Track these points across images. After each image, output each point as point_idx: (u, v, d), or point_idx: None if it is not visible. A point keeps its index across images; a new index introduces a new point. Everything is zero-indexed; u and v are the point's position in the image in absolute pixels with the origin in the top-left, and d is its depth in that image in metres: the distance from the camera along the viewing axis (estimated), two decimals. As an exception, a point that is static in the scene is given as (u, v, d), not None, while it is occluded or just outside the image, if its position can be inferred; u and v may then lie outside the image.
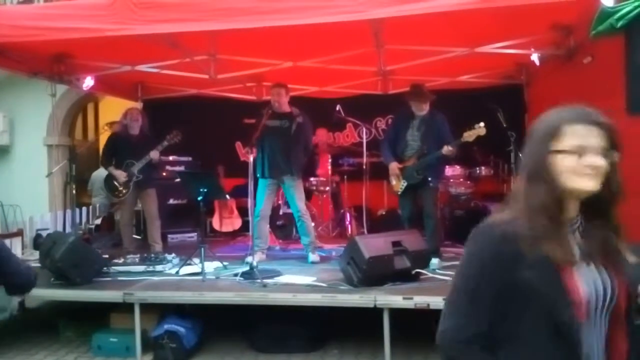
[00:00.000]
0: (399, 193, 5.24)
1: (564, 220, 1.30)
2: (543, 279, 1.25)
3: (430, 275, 4.51)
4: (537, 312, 1.26)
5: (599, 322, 1.31)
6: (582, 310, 1.26)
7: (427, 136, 5.10)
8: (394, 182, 5.26)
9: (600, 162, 1.25)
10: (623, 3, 3.12)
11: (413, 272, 4.40)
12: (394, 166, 5.19)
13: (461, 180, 6.63)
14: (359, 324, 4.57)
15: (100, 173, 7.52)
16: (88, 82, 6.07)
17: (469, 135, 4.82)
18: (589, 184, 1.26)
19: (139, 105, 7.43)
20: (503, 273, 1.27)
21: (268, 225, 5.66)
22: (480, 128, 4.77)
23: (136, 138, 5.94)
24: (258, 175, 5.45)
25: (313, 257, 5.43)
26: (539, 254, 1.25)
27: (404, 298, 3.95)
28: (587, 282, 1.28)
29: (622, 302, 1.33)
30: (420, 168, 5.08)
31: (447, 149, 4.91)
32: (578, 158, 1.26)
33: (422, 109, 5.12)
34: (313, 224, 5.59)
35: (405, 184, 5.14)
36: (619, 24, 3.14)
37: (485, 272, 1.30)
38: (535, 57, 5.36)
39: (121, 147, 5.91)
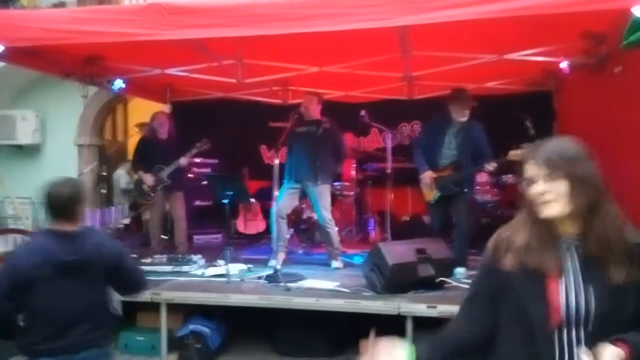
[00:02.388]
0: (431, 203, 5.09)
1: (555, 235, 1.47)
2: (525, 283, 1.47)
3: (455, 284, 4.48)
4: (514, 311, 1.49)
5: (578, 335, 1.43)
6: (556, 319, 1.43)
7: (464, 146, 4.91)
8: (425, 190, 5.06)
9: (539, 189, 1.43)
10: (656, 14, 3.07)
11: (437, 280, 4.38)
12: (427, 175, 4.98)
13: (488, 187, 6.58)
14: (382, 331, 4.56)
15: (120, 173, 7.69)
16: (119, 84, 6.19)
17: (515, 155, 4.59)
18: (545, 212, 1.44)
19: (167, 107, 7.55)
20: (494, 274, 1.54)
21: (286, 225, 5.64)
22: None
23: (164, 142, 6.05)
24: (285, 179, 5.50)
25: (335, 263, 5.44)
26: (528, 261, 1.46)
27: (428, 306, 3.94)
28: (568, 294, 1.43)
29: (604, 318, 1.41)
30: (457, 180, 4.90)
31: (492, 166, 4.76)
32: (532, 188, 1.45)
33: (463, 115, 4.89)
34: (336, 229, 5.58)
35: (439, 194, 4.98)
36: (651, 34, 3.10)
37: (483, 276, 1.62)
38: (564, 65, 5.29)
39: (150, 151, 6.03)
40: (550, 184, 1.42)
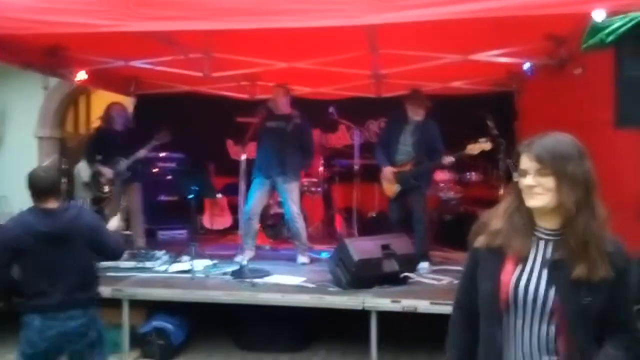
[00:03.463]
0: (392, 198, 5.26)
1: (529, 226, 1.55)
2: (486, 260, 1.58)
3: (418, 279, 4.56)
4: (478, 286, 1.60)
5: (537, 323, 1.49)
6: (503, 298, 1.51)
7: (420, 143, 5.15)
8: (386, 185, 5.28)
9: (530, 182, 1.50)
10: (613, 18, 3.17)
11: (401, 275, 4.44)
12: (388, 170, 5.21)
13: (451, 185, 6.69)
14: (347, 326, 4.61)
15: (81, 167, 7.48)
16: (81, 75, 6.03)
17: (473, 149, 4.87)
18: (530, 202, 1.52)
19: (131, 100, 7.41)
20: (473, 255, 1.65)
21: (258, 224, 5.66)
22: (486, 143, 4.84)
23: (122, 134, 5.88)
24: (254, 174, 5.47)
25: (302, 259, 5.46)
26: (494, 243, 1.56)
27: (392, 301, 3.99)
28: (521, 278, 1.51)
29: (560, 312, 1.46)
30: (417, 174, 5.12)
31: (448, 160, 4.98)
32: (523, 180, 1.52)
33: (418, 114, 5.16)
34: (304, 225, 5.60)
35: (400, 188, 5.17)
36: (609, 38, 3.20)
37: (469, 257, 1.70)
38: (527, 66, 5.42)
39: (107, 143, 5.82)
40: (540, 179, 1.49)
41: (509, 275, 1.52)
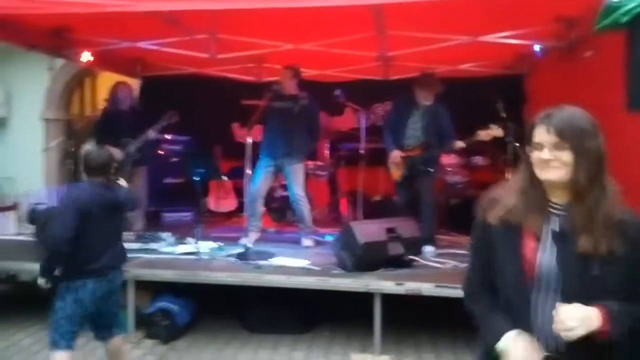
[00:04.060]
0: (399, 181, 5.21)
1: (543, 202, 1.53)
2: (504, 238, 1.55)
3: (423, 262, 4.54)
4: (497, 267, 1.58)
5: (553, 300, 1.48)
6: (530, 275, 1.49)
7: (429, 128, 5.06)
8: (393, 169, 5.22)
9: (547, 155, 1.47)
10: (628, -2, 3.11)
11: (406, 258, 4.43)
12: (396, 154, 5.14)
13: (458, 169, 6.64)
14: (351, 308, 4.62)
15: (88, 147, 7.45)
16: (87, 56, 6.01)
17: (484, 135, 4.80)
18: (544, 175, 1.49)
19: (137, 82, 7.38)
20: (484, 231, 1.61)
21: (262, 206, 5.65)
22: (497, 130, 4.77)
23: (128, 114, 5.85)
24: (260, 154, 5.45)
25: (307, 242, 5.46)
26: (509, 220, 1.53)
27: (396, 284, 3.99)
28: (545, 256, 1.50)
29: (566, 285, 1.46)
30: (426, 159, 5.05)
31: (459, 146, 4.92)
32: (538, 153, 1.49)
33: (428, 99, 5.07)
34: (309, 208, 5.58)
35: (407, 172, 5.10)
36: (624, 19, 3.14)
37: (478, 231, 1.66)
38: (537, 48, 5.34)
39: (114, 125, 5.78)
40: (557, 153, 1.46)
41: (532, 252, 1.51)
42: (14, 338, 4.36)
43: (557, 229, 1.51)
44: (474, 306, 1.66)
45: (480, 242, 1.65)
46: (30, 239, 5.30)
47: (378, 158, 5.67)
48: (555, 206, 1.53)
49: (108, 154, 3.26)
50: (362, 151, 6.50)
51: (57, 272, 3.07)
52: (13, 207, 6.36)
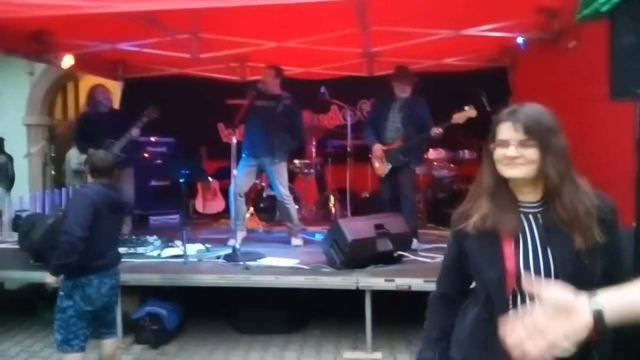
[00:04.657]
0: (382, 176, 5.23)
1: (512, 200, 1.50)
2: (481, 247, 1.51)
3: (412, 257, 4.53)
4: (474, 276, 1.55)
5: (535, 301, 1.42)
6: (511, 282, 1.44)
7: (408, 119, 5.10)
8: (377, 164, 5.24)
9: (512, 152, 1.43)
10: (608, -13, 3.10)
11: (395, 254, 4.42)
12: (377, 148, 5.17)
13: (444, 163, 6.64)
14: (341, 307, 4.60)
15: (72, 154, 7.36)
16: (68, 60, 5.91)
17: (459, 117, 4.80)
18: (509, 172, 1.46)
19: (119, 84, 7.30)
20: (458, 245, 1.59)
21: (244, 203, 5.59)
22: (471, 110, 4.76)
23: (108, 116, 5.72)
24: (242, 154, 5.40)
25: (295, 241, 5.43)
26: (484, 226, 1.49)
27: (386, 280, 3.97)
28: (524, 259, 1.45)
29: (570, 281, 1.40)
30: (406, 151, 5.07)
31: (435, 131, 4.90)
32: (503, 151, 1.45)
33: (404, 91, 5.12)
34: (297, 207, 5.55)
35: (390, 166, 5.12)
36: (604, 8, 3.13)
37: (450, 246, 1.66)
38: (520, 41, 5.35)
39: (95, 128, 5.62)
40: (522, 150, 1.43)
41: (512, 259, 1.46)
42: (0, 348, 4.27)
43: (537, 229, 1.48)
44: (429, 311, 1.74)
45: (452, 254, 1.65)
46: (15, 246, 5.22)
47: (365, 155, 5.65)
48: (527, 205, 1.51)
49: (113, 156, 3.45)
50: (348, 148, 6.49)
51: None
52: (-4, 215, 6.26)
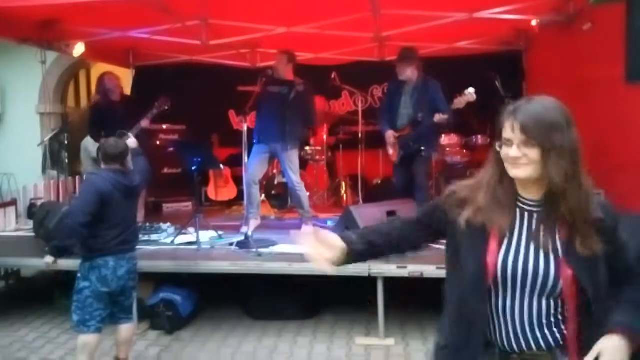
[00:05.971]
0: (396, 163, 5.18)
1: (512, 198, 1.47)
2: (468, 238, 1.48)
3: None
4: (454, 264, 1.53)
5: (528, 298, 1.42)
6: (490, 276, 1.42)
7: (420, 104, 4.99)
8: (391, 151, 5.19)
9: (515, 153, 1.40)
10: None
11: (408, 241, 4.40)
12: (390, 135, 5.12)
13: (457, 149, 6.58)
14: (354, 293, 4.61)
15: (88, 142, 7.39)
16: (79, 48, 5.94)
17: (459, 102, 4.66)
18: (513, 172, 1.43)
19: (130, 72, 7.31)
20: (441, 216, 1.57)
21: (258, 191, 5.60)
22: (470, 94, 4.60)
23: (120, 105, 5.72)
24: (254, 140, 5.40)
25: (306, 228, 5.43)
26: (475, 220, 1.46)
27: (398, 267, 3.96)
28: (508, 255, 1.43)
29: (568, 288, 1.40)
30: (415, 137, 5.00)
31: (439, 117, 4.79)
32: (507, 150, 1.42)
33: (404, 74, 5.01)
34: (308, 194, 5.54)
35: (402, 153, 5.08)
36: (621, -11, 3.06)
37: (430, 210, 1.64)
38: (534, 23, 5.26)
39: (107, 117, 5.62)
40: (525, 150, 1.39)
41: (494, 255, 1.43)
42: (18, 334, 4.35)
43: (533, 227, 1.45)
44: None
45: (428, 217, 1.64)
46: (30, 234, 5.29)
47: (377, 141, 5.63)
48: (529, 202, 1.47)
49: (124, 143, 3.52)
50: (360, 134, 6.46)
51: (75, 252, 3.28)
52: (12, 203, 6.33)
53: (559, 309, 1.42)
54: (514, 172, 1.42)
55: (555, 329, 1.43)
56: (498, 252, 1.44)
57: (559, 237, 1.42)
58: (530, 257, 1.42)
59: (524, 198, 1.47)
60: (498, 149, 1.46)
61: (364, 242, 1.61)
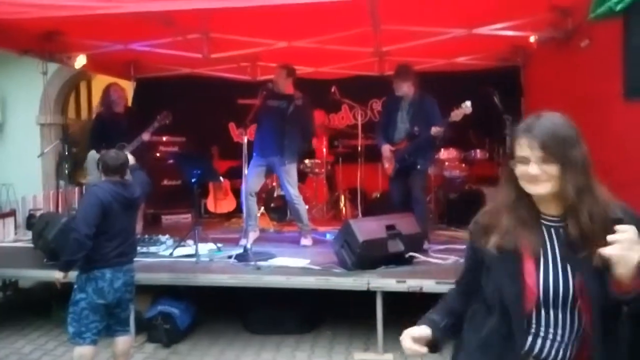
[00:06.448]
0: (391, 177, 5.21)
1: (535, 215, 1.46)
2: (502, 263, 1.46)
3: (424, 258, 4.51)
4: (492, 292, 1.49)
5: (561, 316, 1.41)
6: (532, 299, 1.41)
7: (416, 118, 5.04)
8: (387, 165, 5.23)
9: (535, 171, 1.39)
10: (622, -14, 3.07)
11: (407, 255, 4.40)
12: (386, 149, 5.16)
13: (456, 163, 6.61)
14: (353, 307, 4.59)
15: (93, 153, 7.40)
16: (80, 60, 5.97)
17: (456, 115, 4.70)
18: (533, 189, 1.43)
19: (131, 84, 7.35)
20: (476, 256, 1.55)
21: (255, 203, 5.60)
22: (467, 107, 4.63)
23: (122, 117, 5.75)
24: (253, 153, 5.41)
25: (305, 241, 5.43)
26: (505, 244, 1.45)
27: (397, 281, 3.96)
28: (545, 275, 1.42)
29: (585, 301, 1.39)
30: (410, 151, 5.03)
31: (435, 130, 4.83)
32: (524, 167, 1.42)
33: (401, 89, 5.07)
34: (307, 207, 5.55)
35: (397, 167, 5.10)
36: (618, 7, 3.10)
37: (470, 252, 1.61)
38: (532, 39, 5.31)
39: (108, 128, 5.65)
40: (545, 166, 1.39)
41: (533, 275, 1.42)
42: (14, 346, 4.32)
43: (557, 243, 1.44)
44: (443, 297, 1.73)
45: (471, 261, 1.61)
46: (29, 245, 5.27)
47: (376, 154, 5.64)
48: (549, 218, 1.47)
49: (124, 155, 3.54)
50: (359, 148, 6.48)
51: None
52: (11, 214, 6.32)
53: (580, 322, 1.42)
54: (533, 189, 1.42)
55: (576, 343, 1.43)
56: (536, 272, 1.42)
57: (580, 251, 1.40)
58: (559, 273, 1.42)
59: (545, 215, 1.47)
60: (512, 167, 1.45)
61: (446, 315, 1.64)
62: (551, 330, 1.43)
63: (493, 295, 1.50)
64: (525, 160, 1.41)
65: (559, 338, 1.43)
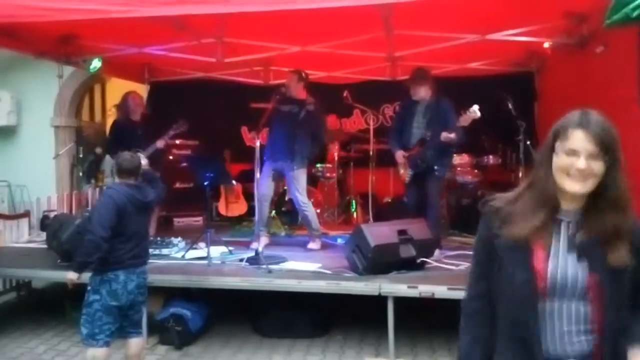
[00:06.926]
0: (407, 182, 5.17)
1: (555, 209, 1.44)
2: (513, 251, 1.45)
3: (436, 264, 4.49)
4: (503, 280, 1.48)
5: (568, 308, 1.42)
6: (542, 286, 1.41)
7: (432, 123, 4.96)
8: (401, 170, 5.18)
9: (583, 165, 1.35)
10: (639, -8, 3.04)
11: (418, 260, 4.39)
12: (399, 155, 5.10)
13: (468, 168, 6.58)
14: (364, 311, 4.58)
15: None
16: (95, 63, 6.03)
17: (464, 120, 4.64)
18: (573, 186, 1.39)
19: (145, 88, 7.40)
20: (488, 244, 1.52)
21: (267, 208, 5.61)
22: (474, 112, 4.58)
23: (140, 124, 5.82)
24: (264, 157, 5.43)
25: (312, 245, 5.43)
26: (519, 234, 1.43)
27: (409, 287, 3.95)
28: (557, 266, 1.42)
29: (597, 294, 1.40)
30: (423, 156, 4.98)
31: (445, 135, 4.75)
32: (570, 160, 1.38)
33: (418, 93, 5.00)
34: (318, 211, 5.54)
35: (412, 172, 5.07)
36: (635, 13, 3.07)
37: (480, 244, 1.57)
38: (547, 45, 5.28)
39: (125, 134, 5.68)
40: (592, 162, 1.35)
41: (543, 262, 1.42)
42: (28, 345, 4.37)
43: (572, 237, 1.44)
44: (465, 319, 1.65)
45: (482, 255, 1.57)
46: (43, 246, 5.33)
47: (387, 159, 5.63)
48: (566, 212, 1.45)
49: (139, 158, 3.56)
50: (371, 152, 6.48)
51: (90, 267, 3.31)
52: (25, 215, 6.39)
53: (590, 316, 1.42)
54: (573, 186, 1.38)
55: (585, 337, 1.43)
56: (546, 260, 1.42)
57: (593, 246, 1.41)
58: (569, 265, 1.42)
59: (563, 209, 1.45)
60: (546, 157, 1.42)
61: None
62: (564, 322, 1.42)
63: (504, 287, 1.48)
64: (575, 153, 1.37)
65: (565, 328, 1.43)
